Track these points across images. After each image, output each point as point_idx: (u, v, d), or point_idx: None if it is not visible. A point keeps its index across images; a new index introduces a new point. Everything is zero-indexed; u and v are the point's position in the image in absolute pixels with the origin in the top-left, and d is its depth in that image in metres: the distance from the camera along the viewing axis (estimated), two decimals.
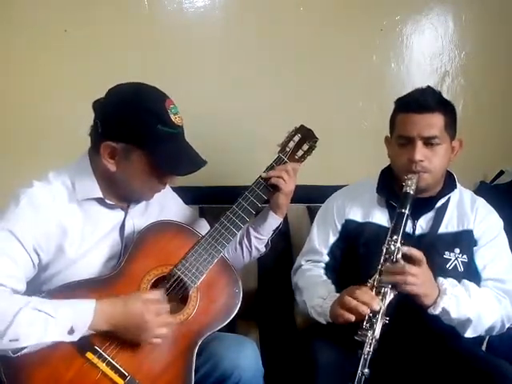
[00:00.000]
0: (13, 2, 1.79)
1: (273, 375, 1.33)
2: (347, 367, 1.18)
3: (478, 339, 1.50)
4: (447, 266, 1.37)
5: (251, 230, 1.44)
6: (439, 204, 1.42)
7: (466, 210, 1.44)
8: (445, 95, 1.45)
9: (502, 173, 2.11)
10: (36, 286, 1.20)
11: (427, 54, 2.11)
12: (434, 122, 1.35)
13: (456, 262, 1.38)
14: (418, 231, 1.41)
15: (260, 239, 1.45)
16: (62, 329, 1.08)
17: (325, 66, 2.02)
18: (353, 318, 1.21)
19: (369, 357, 1.16)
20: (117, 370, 1.15)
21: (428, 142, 1.35)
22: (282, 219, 1.44)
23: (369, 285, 1.24)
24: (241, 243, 1.46)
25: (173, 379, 1.19)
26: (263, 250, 1.49)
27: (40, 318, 1.07)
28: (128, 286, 1.21)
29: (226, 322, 1.27)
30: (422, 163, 1.34)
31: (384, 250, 1.25)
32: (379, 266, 1.24)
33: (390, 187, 1.46)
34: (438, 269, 1.33)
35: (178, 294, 1.24)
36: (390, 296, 1.22)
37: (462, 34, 2.11)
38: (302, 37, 1.99)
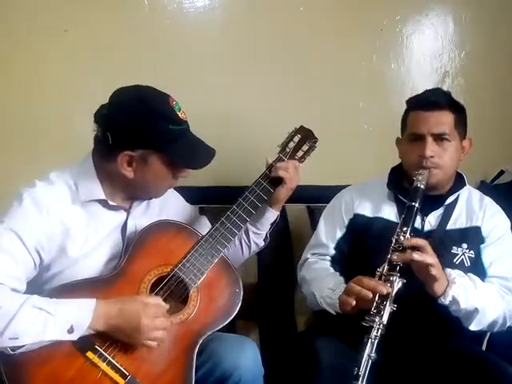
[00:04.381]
0: (13, 2, 1.79)
1: (273, 375, 1.33)
2: (349, 367, 1.17)
3: (478, 338, 1.51)
4: (454, 261, 1.39)
5: (249, 226, 1.44)
6: (448, 201, 1.45)
7: (475, 208, 1.46)
8: None
9: (502, 173, 2.11)
10: (37, 286, 1.21)
11: (427, 54, 2.11)
12: (443, 120, 1.39)
13: (463, 256, 1.40)
14: (426, 227, 1.43)
15: (258, 234, 1.46)
16: (61, 327, 1.08)
17: (325, 66, 2.02)
18: (353, 302, 1.22)
19: (376, 341, 1.16)
20: (117, 370, 1.15)
21: (438, 138, 1.38)
22: (278, 212, 1.45)
23: (378, 273, 1.25)
24: (239, 239, 1.46)
25: (173, 379, 1.19)
26: (262, 244, 1.49)
27: (40, 316, 1.07)
28: (128, 286, 1.22)
29: (227, 322, 1.27)
30: (432, 159, 1.38)
31: (393, 241, 1.26)
32: (388, 256, 1.25)
33: (399, 183, 1.49)
34: (446, 263, 1.34)
35: (178, 294, 1.24)
36: (398, 284, 1.22)
37: (462, 34, 2.12)
38: (302, 37, 1.98)
